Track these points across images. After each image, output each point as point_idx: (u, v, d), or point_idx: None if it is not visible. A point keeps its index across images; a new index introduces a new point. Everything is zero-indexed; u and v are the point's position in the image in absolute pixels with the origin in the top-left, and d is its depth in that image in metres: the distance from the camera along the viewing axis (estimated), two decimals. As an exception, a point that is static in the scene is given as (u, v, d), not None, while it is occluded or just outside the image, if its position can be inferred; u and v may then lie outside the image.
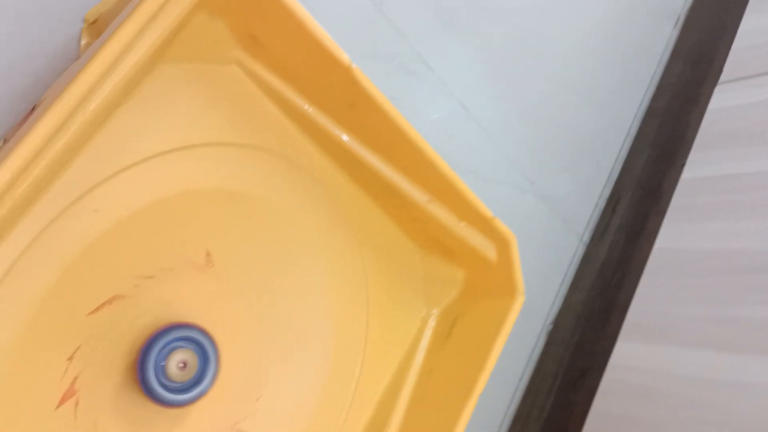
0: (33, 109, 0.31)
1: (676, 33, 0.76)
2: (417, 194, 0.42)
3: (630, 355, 0.49)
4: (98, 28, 0.41)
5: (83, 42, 0.40)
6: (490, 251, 0.44)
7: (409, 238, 0.46)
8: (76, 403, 0.34)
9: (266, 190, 0.40)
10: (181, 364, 0.35)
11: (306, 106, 0.40)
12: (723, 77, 0.62)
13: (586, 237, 0.62)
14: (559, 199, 0.60)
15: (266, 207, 0.40)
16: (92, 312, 0.34)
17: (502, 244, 0.43)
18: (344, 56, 0.36)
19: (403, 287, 0.46)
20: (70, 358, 0.34)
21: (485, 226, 0.43)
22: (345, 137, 0.41)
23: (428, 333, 0.46)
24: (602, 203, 0.63)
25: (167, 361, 0.35)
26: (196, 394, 0.35)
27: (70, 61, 0.38)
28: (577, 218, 0.62)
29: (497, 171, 0.54)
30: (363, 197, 0.44)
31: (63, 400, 0.33)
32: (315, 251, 0.42)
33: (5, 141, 0.28)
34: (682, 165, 0.57)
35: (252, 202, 0.40)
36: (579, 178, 0.62)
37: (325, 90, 0.38)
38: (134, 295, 0.36)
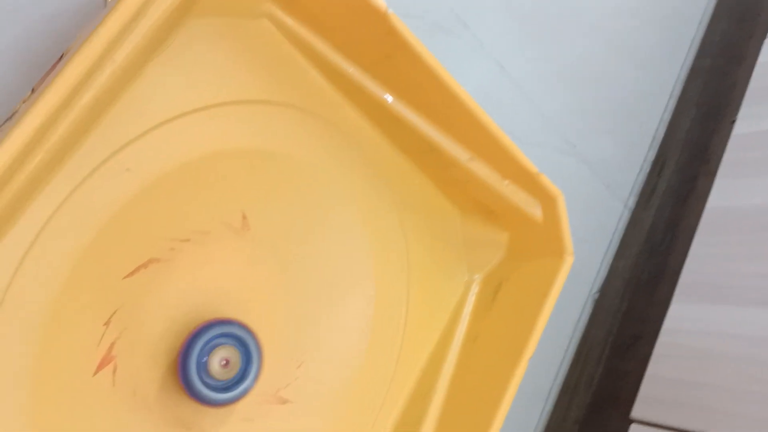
0: (61, 57, 0.30)
1: (717, -10, 0.73)
2: (458, 152, 0.40)
3: (684, 318, 0.47)
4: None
5: (109, -2, 0.39)
6: (535, 210, 0.42)
7: (450, 200, 0.44)
8: (114, 370, 0.33)
9: (301, 150, 0.39)
10: (224, 362, 0.34)
11: (340, 60, 0.38)
12: (772, 29, 0.59)
13: (631, 202, 0.59)
14: (601, 163, 0.58)
15: (301, 168, 0.39)
16: (128, 275, 0.33)
17: (548, 201, 0.41)
18: (380, 2, 0.34)
19: (444, 252, 0.44)
20: (106, 323, 0.33)
21: (530, 184, 0.41)
22: (382, 93, 0.39)
23: (472, 298, 0.44)
24: (647, 167, 0.60)
25: (209, 358, 0.33)
26: (239, 393, 0.34)
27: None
28: (621, 183, 0.59)
29: (536, 133, 0.52)
30: (400, 157, 0.42)
31: (100, 367, 0.32)
32: (352, 214, 0.41)
33: (33, 91, 0.27)
34: (732, 122, 0.55)
35: (287, 163, 0.39)
36: (622, 141, 0.59)
37: (359, 41, 0.37)
38: (170, 258, 0.35)
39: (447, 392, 0.41)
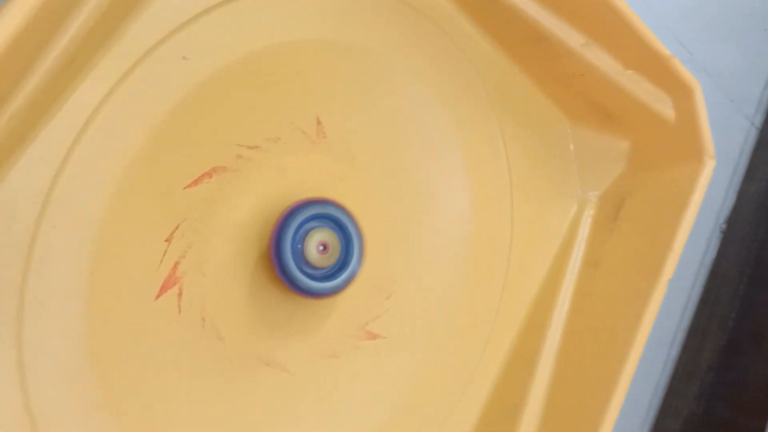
0: None
1: None
2: (570, 36, 0.33)
3: None
4: None
5: None
6: (664, 107, 0.34)
7: (558, 105, 0.37)
8: (179, 294, 0.28)
9: (384, 44, 0.33)
10: (321, 247, 0.28)
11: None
12: None
13: (758, 120, 0.51)
14: (723, 74, 0.50)
15: (385, 66, 0.33)
16: (189, 185, 0.29)
17: (682, 93, 0.33)
18: None
19: (552, 167, 0.38)
20: (167, 240, 0.28)
21: (659, 72, 0.33)
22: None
23: (588, 219, 0.37)
24: (775, 80, 0.52)
25: (305, 244, 0.28)
26: (344, 279, 0.29)
27: None
28: (746, 97, 0.51)
29: (649, 38, 0.45)
30: (499, 52, 0.35)
31: (163, 289, 0.28)
32: (443, 121, 0.35)
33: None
34: None
35: (368, 60, 0.33)
36: (746, 50, 0.51)
37: None
38: (237, 167, 0.30)
39: (565, 325, 0.35)
